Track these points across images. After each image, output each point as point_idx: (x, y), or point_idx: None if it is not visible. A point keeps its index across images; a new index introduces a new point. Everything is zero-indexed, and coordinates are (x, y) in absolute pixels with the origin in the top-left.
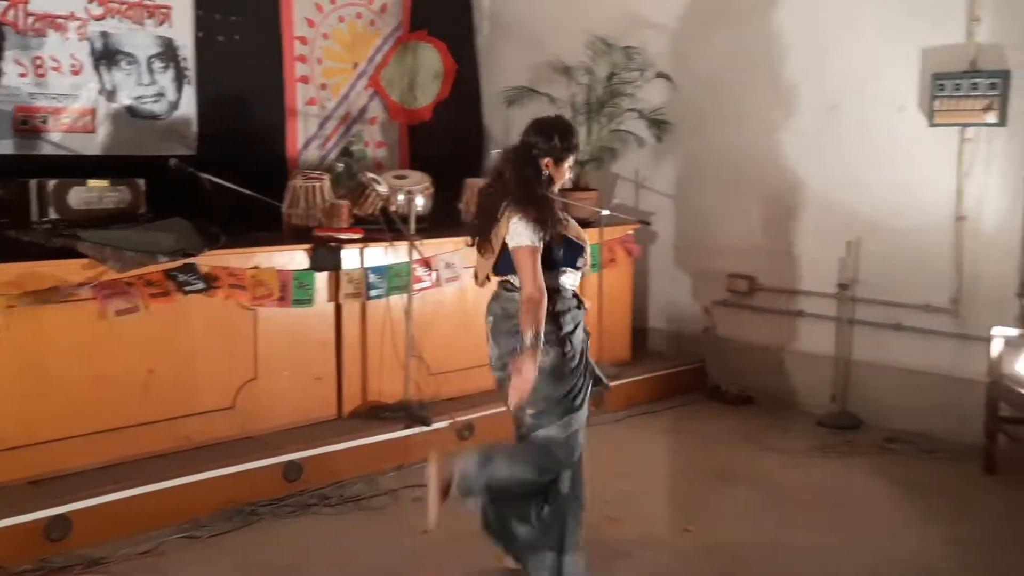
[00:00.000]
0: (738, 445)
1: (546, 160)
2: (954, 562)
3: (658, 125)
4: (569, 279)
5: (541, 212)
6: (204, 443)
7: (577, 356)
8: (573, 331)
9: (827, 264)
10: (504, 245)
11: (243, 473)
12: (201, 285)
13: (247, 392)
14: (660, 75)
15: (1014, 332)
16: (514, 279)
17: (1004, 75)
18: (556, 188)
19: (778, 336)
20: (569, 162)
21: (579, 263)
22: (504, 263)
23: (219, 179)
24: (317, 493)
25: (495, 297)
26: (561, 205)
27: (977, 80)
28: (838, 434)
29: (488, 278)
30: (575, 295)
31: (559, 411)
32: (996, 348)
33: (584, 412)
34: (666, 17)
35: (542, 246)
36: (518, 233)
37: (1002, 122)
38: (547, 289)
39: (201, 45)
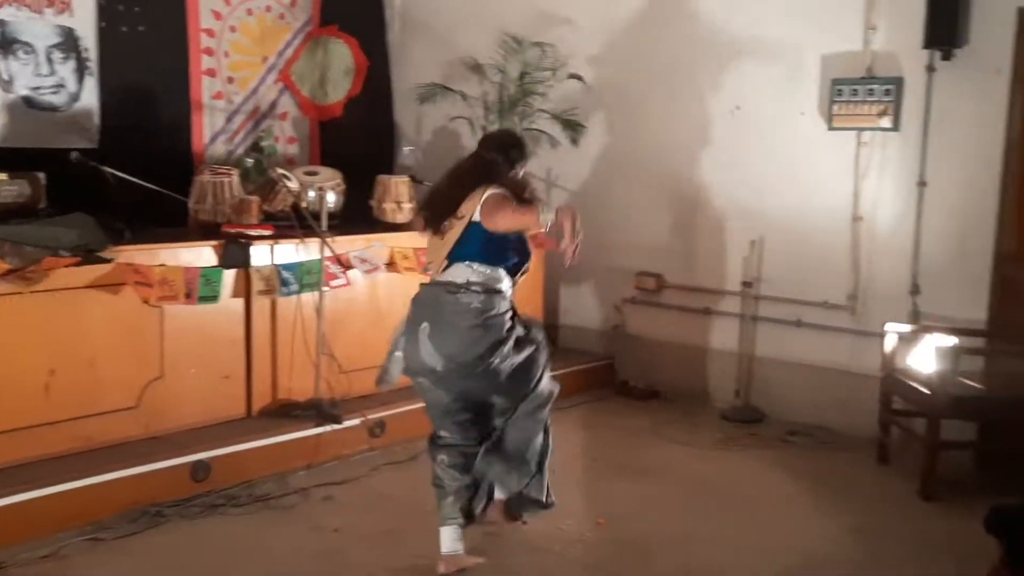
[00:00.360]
0: (646, 439)
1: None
2: (850, 549)
3: (572, 127)
4: (507, 283)
5: (519, 189)
6: (108, 443)
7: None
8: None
9: (732, 263)
10: (468, 225)
11: (148, 473)
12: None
13: (153, 391)
14: (572, 76)
15: (906, 328)
16: (468, 271)
17: (898, 82)
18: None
19: (685, 333)
20: (521, 173)
21: (521, 270)
22: (466, 246)
23: (122, 173)
24: (225, 493)
25: (434, 303)
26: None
27: (873, 86)
28: (742, 427)
29: (441, 266)
30: (512, 307)
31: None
32: (890, 344)
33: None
34: (578, 18)
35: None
36: (492, 193)
37: (896, 127)
38: (490, 288)
39: (104, 35)
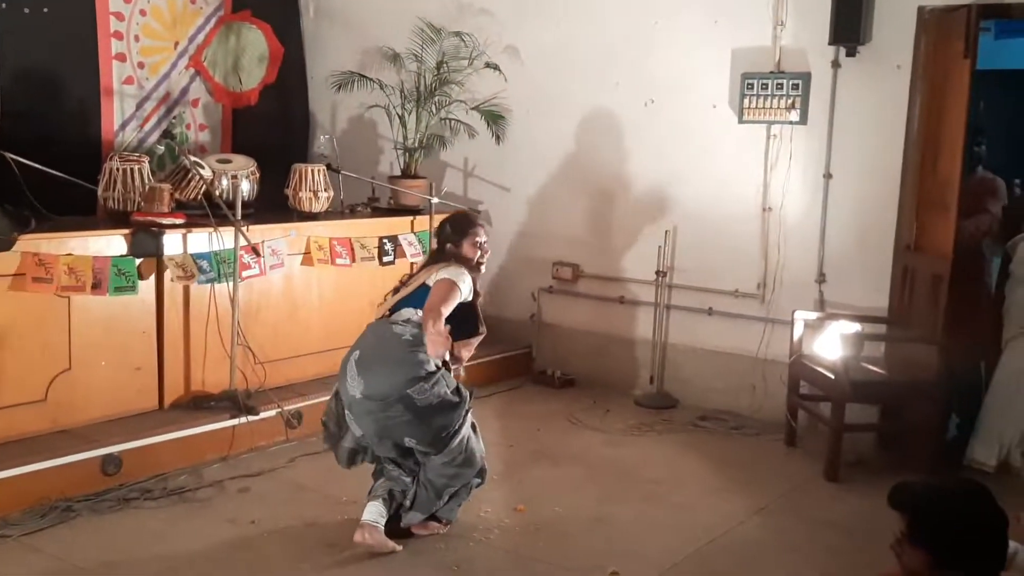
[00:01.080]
0: (562, 426)
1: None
2: (758, 528)
3: (492, 118)
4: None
5: (474, 273)
6: (14, 438)
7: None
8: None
9: (646, 252)
10: (421, 286)
11: (57, 468)
12: None
13: (60, 384)
14: (489, 65)
15: (813, 315)
16: (411, 312)
17: (805, 77)
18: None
19: (600, 321)
20: (469, 243)
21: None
22: (414, 298)
23: (27, 160)
24: (138, 486)
25: (371, 332)
26: None
27: (782, 81)
28: (655, 413)
29: (388, 308)
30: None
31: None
32: (797, 330)
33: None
34: (495, 8)
35: (458, 301)
36: (450, 273)
37: (803, 120)
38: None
39: (4, 16)
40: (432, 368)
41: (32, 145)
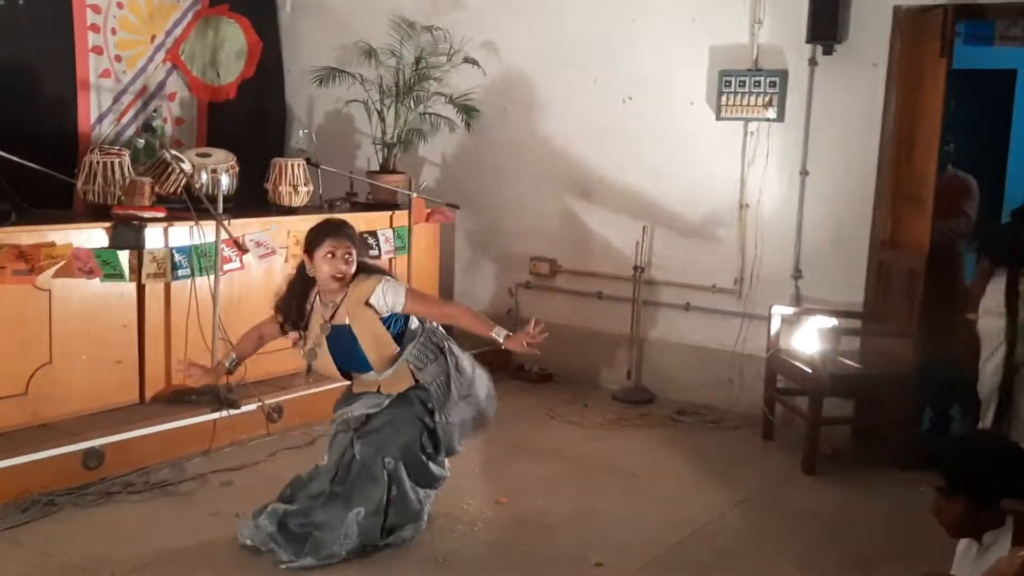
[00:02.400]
0: (541, 421)
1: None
2: (738, 520)
3: (467, 111)
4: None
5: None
6: None
7: None
8: None
9: (624, 248)
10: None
11: (38, 462)
12: None
13: (41, 377)
14: (467, 60)
15: (790, 310)
16: None
17: (783, 74)
18: (323, 281)
19: (578, 317)
20: (320, 254)
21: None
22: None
23: (2, 152)
24: (120, 480)
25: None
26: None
27: (759, 78)
28: (633, 408)
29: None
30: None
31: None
32: (774, 325)
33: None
34: (472, 4)
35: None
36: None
37: (780, 118)
38: None
39: None
40: None
41: (7, 138)
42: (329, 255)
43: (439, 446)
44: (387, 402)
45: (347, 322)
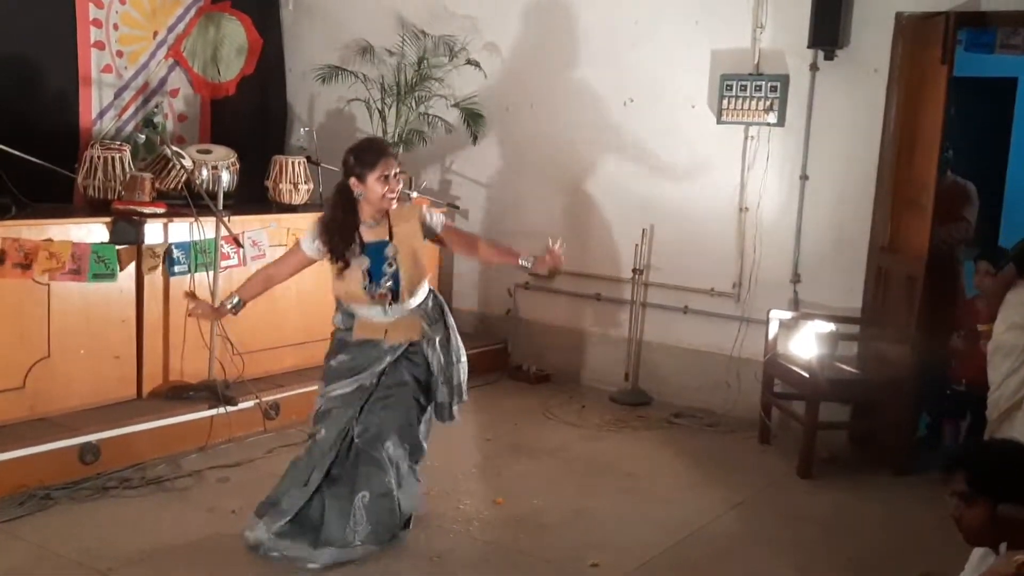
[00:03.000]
0: (539, 421)
1: (351, 179)
2: (734, 522)
3: (472, 116)
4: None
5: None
6: None
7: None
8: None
9: (623, 250)
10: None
11: (35, 456)
12: None
13: (39, 371)
14: (470, 62)
15: (788, 315)
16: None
17: (784, 79)
18: (375, 202)
19: (576, 318)
20: (374, 176)
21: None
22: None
23: (2, 145)
24: (117, 475)
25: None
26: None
27: (760, 82)
28: (630, 410)
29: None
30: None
31: None
32: (772, 330)
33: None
34: (474, 6)
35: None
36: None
37: (781, 122)
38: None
39: None
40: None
41: (8, 132)
42: (383, 176)
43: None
44: (388, 361)
45: (388, 238)
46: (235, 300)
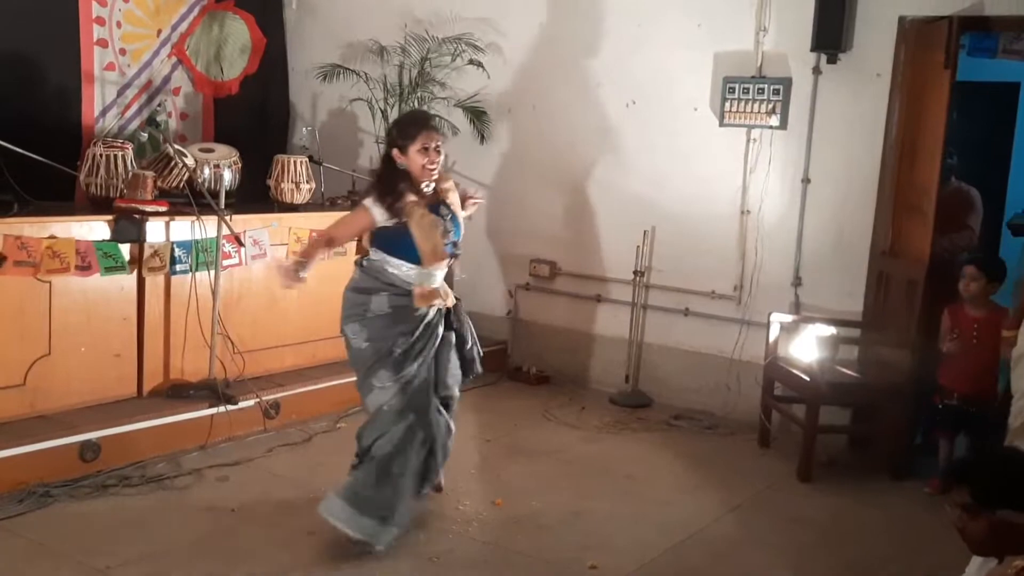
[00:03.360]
0: (538, 422)
1: (393, 151)
2: (733, 525)
3: (475, 114)
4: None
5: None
6: None
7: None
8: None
9: (624, 252)
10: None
11: (35, 453)
12: None
13: (39, 369)
14: (472, 62)
15: (789, 318)
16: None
17: (786, 82)
18: (416, 173)
19: (577, 319)
20: (415, 147)
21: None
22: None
23: (5, 143)
24: (117, 473)
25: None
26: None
27: (763, 85)
28: (630, 412)
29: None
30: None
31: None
32: (773, 333)
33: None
34: (478, 7)
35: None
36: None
37: (783, 125)
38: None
39: None
40: (359, 311)
41: (11, 129)
42: (424, 148)
43: None
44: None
45: (448, 203)
46: (304, 265)
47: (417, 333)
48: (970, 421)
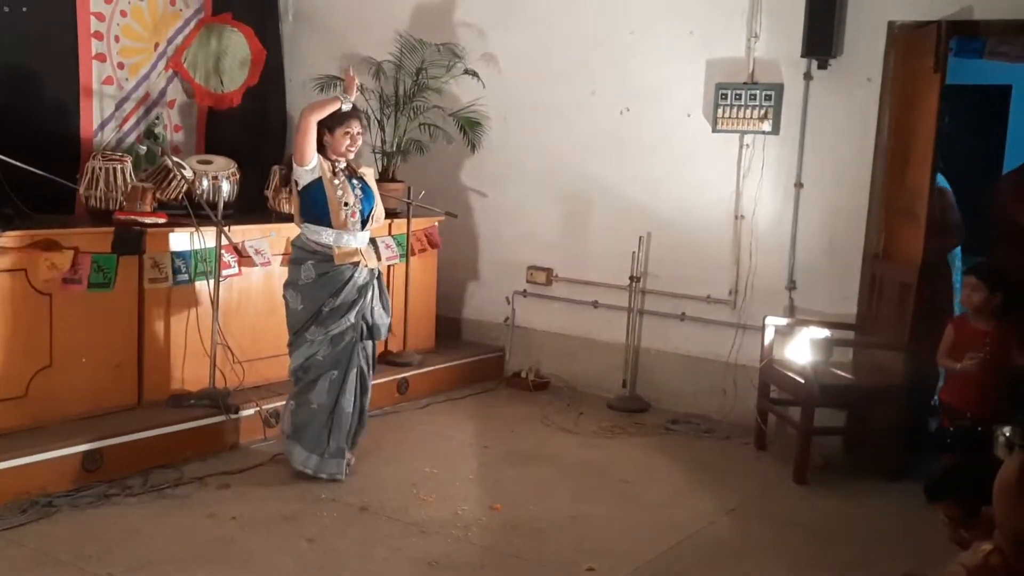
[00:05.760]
0: (536, 428)
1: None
2: (729, 528)
3: (470, 125)
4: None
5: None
6: None
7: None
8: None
9: (620, 258)
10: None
11: (38, 463)
12: None
13: (41, 380)
14: (468, 71)
15: (783, 321)
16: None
17: (778, 88)
18: (337, 154)
19: (574, 325)
20: (339, 132)
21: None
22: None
23: (5, 157)
24: (119, 483)
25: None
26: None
27: (755, 91)
28: (627, 417)
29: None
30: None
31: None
32: (768, 336)
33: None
34: (472, 17)
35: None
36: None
37: (775, 131)
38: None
39: None
40: (294, 277)
41: (10, 142)
42: (346, 133)
43: None
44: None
45: (361, 173)
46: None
47: (343, 295)
48: (985, 442)
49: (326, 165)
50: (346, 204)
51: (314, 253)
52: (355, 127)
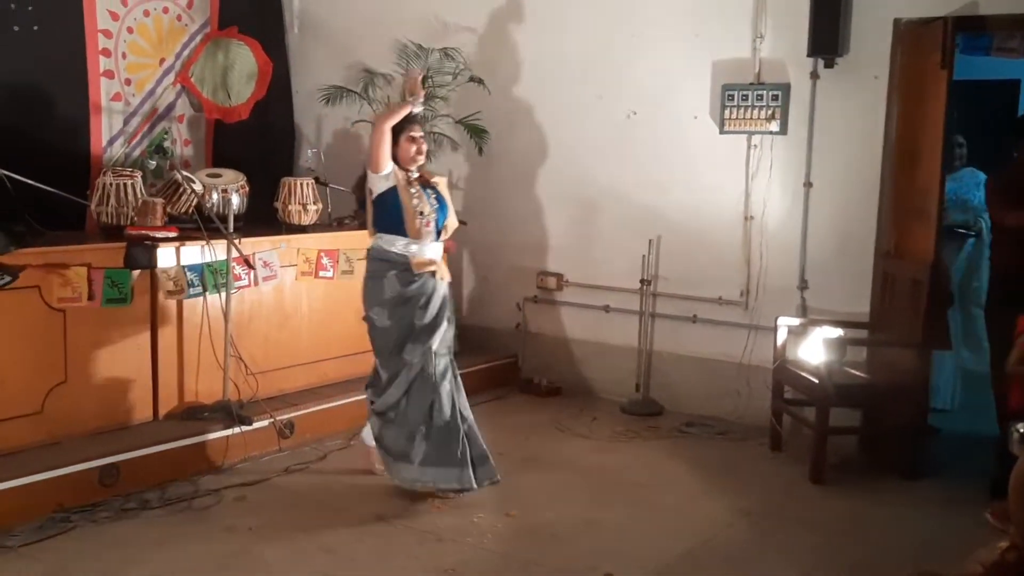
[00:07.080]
0: (550, 434)
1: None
2: (743, 530)
3: (477, 132)
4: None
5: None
6: (11, 450)
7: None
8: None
9: (631, 261)
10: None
11: (54, 479)
12: (7, 279)
13: (56, 396)
14: (473, 79)
15: (796, 322)
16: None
17: (785, 88)
18: (406, 162)
19: (586, 330)
20: (402, 139)
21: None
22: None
23: (16, 175)
24: (136, 497)
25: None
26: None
27: (762, 92)
28: (641, 420)
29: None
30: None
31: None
32: (781, 337)
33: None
34: (475, 23)
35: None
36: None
37: (783, 131)
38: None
39: None
40: (377, 295)
41: (21, 161)
42: (411, 137)
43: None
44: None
45: (435, 183)
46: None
47: (434, 306)
48: None
49: (401, 175)
50: (421, 213)
51: (392, 263)
52: (416, 131)
